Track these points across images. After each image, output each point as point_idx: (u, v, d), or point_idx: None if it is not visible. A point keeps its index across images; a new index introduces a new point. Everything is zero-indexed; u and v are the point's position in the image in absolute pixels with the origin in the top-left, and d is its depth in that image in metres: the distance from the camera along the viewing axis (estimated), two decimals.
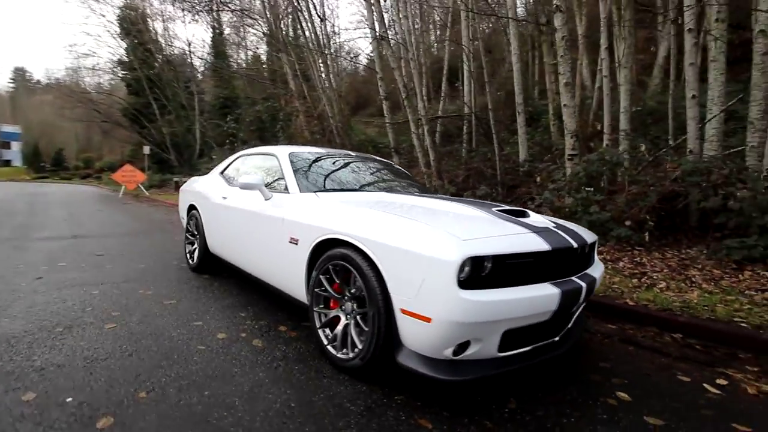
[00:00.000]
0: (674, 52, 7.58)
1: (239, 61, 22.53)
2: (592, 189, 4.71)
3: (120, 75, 23.61)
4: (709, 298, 3.13)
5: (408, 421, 1.73)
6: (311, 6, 10.09)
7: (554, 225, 2.24)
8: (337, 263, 2.15)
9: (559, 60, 5.41)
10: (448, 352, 1.78)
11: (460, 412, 1.81)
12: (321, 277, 2.27)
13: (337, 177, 3.15)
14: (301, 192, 2.74)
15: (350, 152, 3.91)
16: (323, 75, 9.62)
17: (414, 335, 1.81)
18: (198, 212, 4.04)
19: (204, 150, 19.74)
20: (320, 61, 9.54)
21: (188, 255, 4.33)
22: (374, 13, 8.14)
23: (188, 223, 4.33)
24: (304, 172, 2.98)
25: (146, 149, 17.72)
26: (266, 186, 3.12)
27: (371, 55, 8.66)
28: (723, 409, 1.91)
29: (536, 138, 8.54)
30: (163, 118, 20.79)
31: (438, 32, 18.56)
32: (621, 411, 1.86)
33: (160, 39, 22.23)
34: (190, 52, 21.85)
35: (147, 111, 21.34)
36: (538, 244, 1.91)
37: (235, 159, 3.96)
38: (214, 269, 4.13)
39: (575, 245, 2.07)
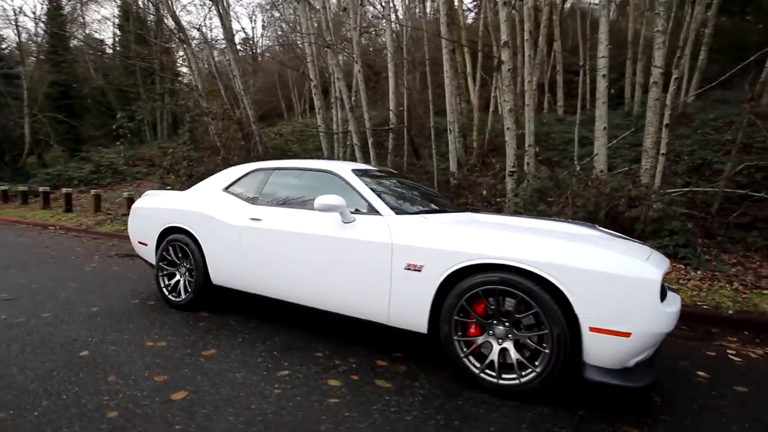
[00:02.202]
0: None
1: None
2: (547, 205, 5.49)
3: None
4: None
5: (620, 429, 1.85)
6: None
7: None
8: (493, 288, 2.12)
9: (504, 89, 6.15)
10: (632, 362, 1.97)
11: (635, 412, 2.01)
12: (464, 303, 2.20)
13: (408, 196, 3.03)
14: (397, 214, 2.57)
15: (373, 167, 3.75)
16: (235, 73, 8.69)
17: (605, 350, 1.94)
18: (195, 236, 3.32)
19: (36, 150, 15.60)
20: (232, 58, 8.56)
21: (166, 290, 3.51)
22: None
23: (164, 252, 3.51)
24: (380, 192, 2.79)
25: None
26: None
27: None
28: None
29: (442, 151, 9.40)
30: None
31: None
32: (708, 385, 2.33)
33: None
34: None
35: None
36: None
37: (247, 174, 3.39)
38: (212, 304, 3.45)
39: None
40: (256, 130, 8.36)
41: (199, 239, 3.30)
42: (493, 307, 2.16)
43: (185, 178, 8.66)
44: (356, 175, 2.88)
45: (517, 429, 1.85)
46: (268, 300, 3.02)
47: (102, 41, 22.11)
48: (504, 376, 2.12)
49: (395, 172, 3.97)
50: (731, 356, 2.80)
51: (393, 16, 9.78)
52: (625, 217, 5.50)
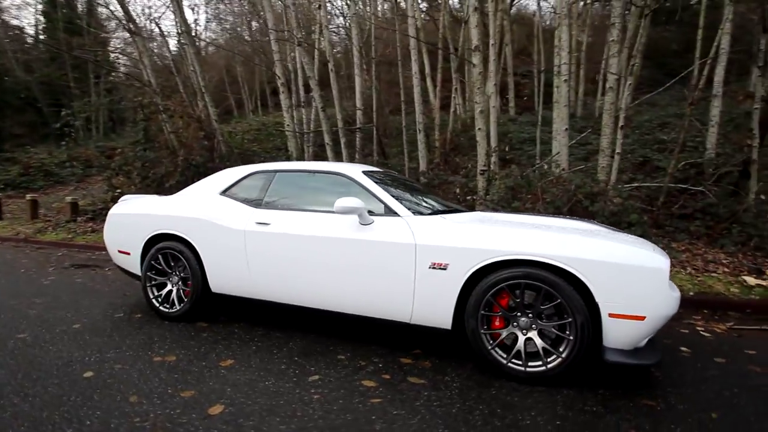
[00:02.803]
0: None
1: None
2: (519, 202, 5.82)
3: None
4: None
5: (640, 402, 2.06)
6: None
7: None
8: (519, 282, 2.26)
9: (476, 91, 6.41)
10: (643, 343, 2.20)
11: (645, 387, 2.24)
12: (489, 298, 2.32)
13: (417, 196, 3.09)
14: (414, 214, 2.64)
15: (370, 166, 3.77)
16: (195, 68, 8.18)
17: (622, 333, 2.14)
18: (191, 243, 3.16)
19: None
20: (191, 52, 8.02)
21: (156, 301, 3.31)
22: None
23: (153, 261, 3.31)
24: (392, 193, 2.83)
25: None
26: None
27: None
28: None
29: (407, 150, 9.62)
30: None
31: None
32: (693, 359, 2.65)
33: None
34: None
35: None
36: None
37: (245, 176, 3.27)
38: (209, 313, 3.31)
39: None
40: (219, 129, 7.97)
41: (196, 246, 3.15)
42: (518, 300, 2.30)
43: (139, 180, 8.08)
44: (367, 176, 2.90)
45: (553, 410, 2.00)
46: (276, 305, 2.97)
47: (22, 29, 19.90)
48: (530, 363, 2.27)
49: (395, 173, 4.01)
50: (702, 332, 3.18)
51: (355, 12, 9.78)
52: (588, 211, 5.97)
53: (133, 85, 8.20)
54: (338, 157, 7.95)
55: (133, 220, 3.48)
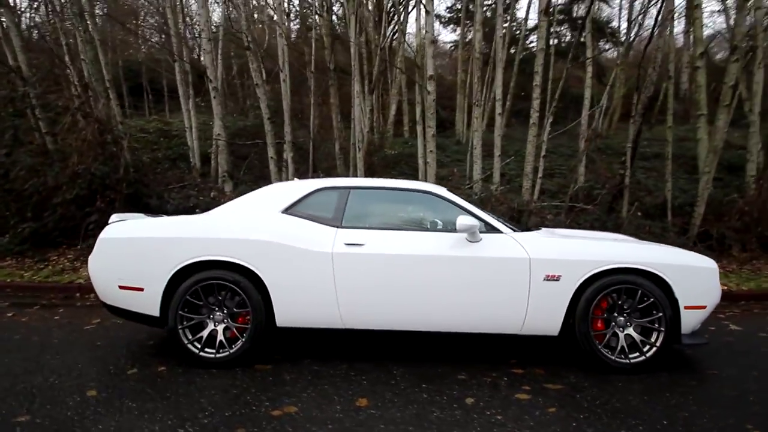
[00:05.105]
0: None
1: None
2: None
3: None
4: None
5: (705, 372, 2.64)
6: None
7: None
8: (620, 287, 2.66)
9: (429, 116, 6.88)
10: (697, 327, 2.83)
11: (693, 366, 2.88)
12: (594, 303, 2.66)
13: (487, 213, 3.24)
14: (514, 231, 2.82)
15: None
16: (83, 57, 6.44)
17: (691, 320, 2.71)
18: (252, 270, 2.65)
19: None
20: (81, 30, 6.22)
21: (193, 345, 2.67)
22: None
23: (191, 296, 2.66)
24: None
25: None
26: (436, 226, 2.86)
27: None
28: None
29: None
30: None
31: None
32: None
33: None
34: None
35: None
36: None
37: (311, 193, 2.91)
38: (262, 351, 2.83)
39: None
40: (123, 132, 6.49)
41: (259, 273, 2.67)
42: (619, 302, 2.70)
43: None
44: (456, 196, 2.97)
45: (661, 391, 2.40)
46: (365, 332, 2.75)
47: None
48: (630, 356, 2.68)
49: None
50: None
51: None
52: (519, 222, 6.96)
53: None
54: (281, 172, 7.41)
55: (151, 245, 2.73)
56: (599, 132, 9.13)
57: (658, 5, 8.67)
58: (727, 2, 12.38)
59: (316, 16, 11.53)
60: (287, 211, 2.86)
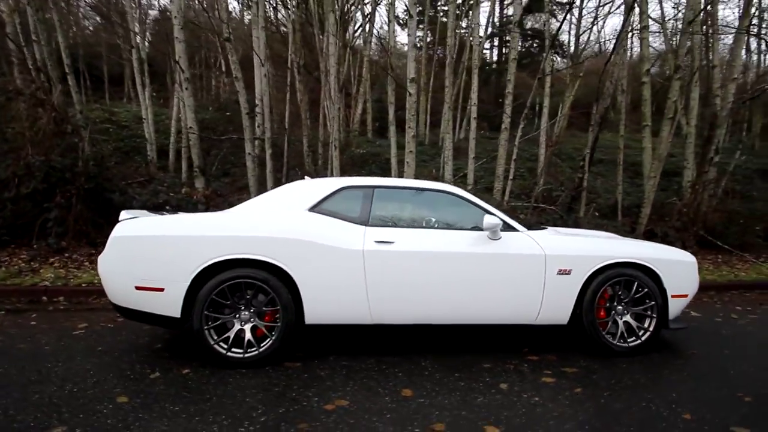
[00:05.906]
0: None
1: None
2: None
3: None
4: None
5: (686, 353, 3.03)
6: None
7: None
8: (620, 279, 2.97)
9: (410, 117, 7.03)
10: (679, 314, 3.22)
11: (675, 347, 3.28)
12: (599, 294, 2.95)
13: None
14: (528, 230, 3.03)
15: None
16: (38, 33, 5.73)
17: (676, 307, 3.09)
18: (282, 269, 2.63)
19: None
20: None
21: (219, 346, 2.60)
22: None
23: (217, 295, 2.59)
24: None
25: None
26: (455, 226, 3.01)
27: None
28: None
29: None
30: None
31: None
32: None
33: None
34: None
35: None
36: None
37: (335, 191, 2.91)
38: (287, 350, 2.81)
39: None
40: (84, 121, 5.93)
41: (290, 271, 2.65)
42: (618, 293, 3.01)
43: None
44: (473, 195, 3.13)
45: (659, 369, 2.74)
46: (393, 327, 2.83)
47: None
48: (629, 340, 3.00)
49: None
50: None
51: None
52: None
53: None
54: (262, 170, 7.18)
55: (173, 243, 2.60)
56: (556, 138, 9.82)
57: (599, 24, 9.51)
58: (666, 27, 13.76)
59: (287, 10, 11.28)
60: (314, 209, 2.86)
